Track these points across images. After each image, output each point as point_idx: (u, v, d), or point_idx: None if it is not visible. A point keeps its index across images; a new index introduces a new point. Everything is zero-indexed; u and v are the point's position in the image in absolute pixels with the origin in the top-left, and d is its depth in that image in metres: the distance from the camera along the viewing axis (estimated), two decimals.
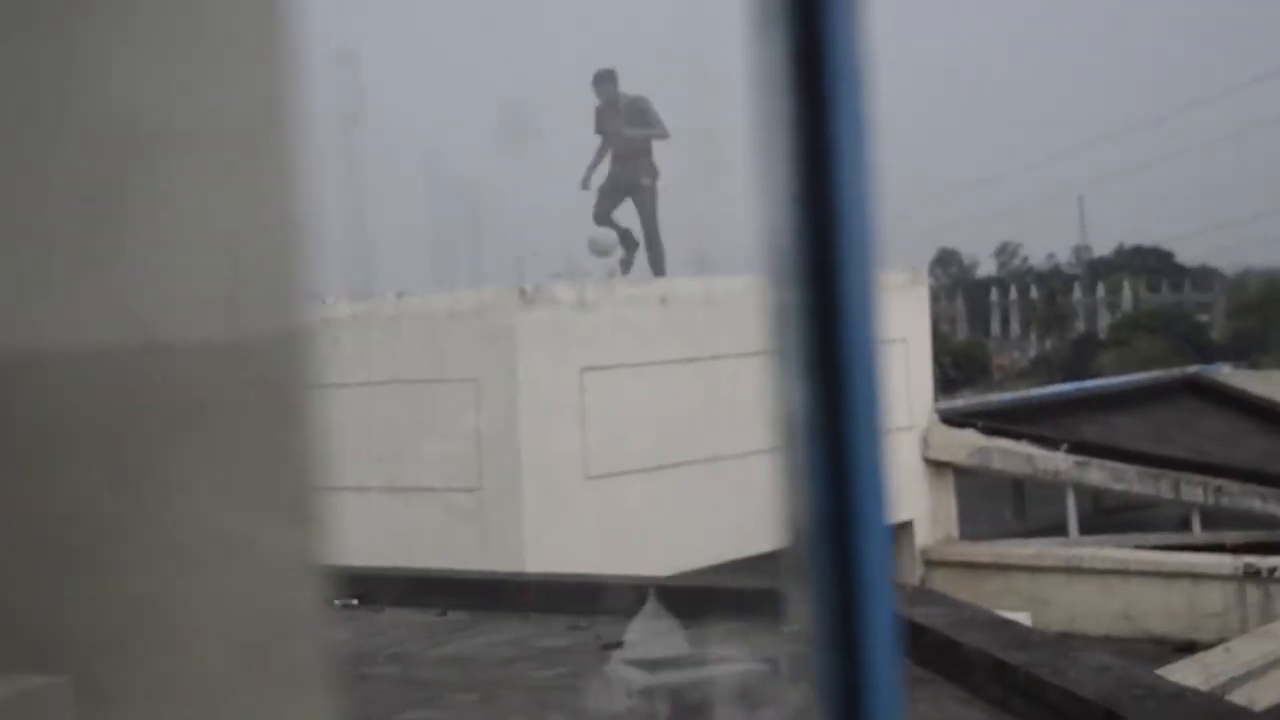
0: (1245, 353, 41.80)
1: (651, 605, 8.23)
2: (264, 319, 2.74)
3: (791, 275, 1.16)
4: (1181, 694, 6.75)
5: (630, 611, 8.26)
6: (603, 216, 15.51)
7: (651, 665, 7.65)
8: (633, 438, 12.72)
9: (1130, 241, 70.36)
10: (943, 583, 13.64)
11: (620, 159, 15.47)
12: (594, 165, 15.75)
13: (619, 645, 8.15)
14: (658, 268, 15.22)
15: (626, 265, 15.54)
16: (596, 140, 15.72)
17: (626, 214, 15.55)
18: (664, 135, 15.48)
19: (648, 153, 15.43)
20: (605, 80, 15.66)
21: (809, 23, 1.13)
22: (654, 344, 13.10)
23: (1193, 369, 25.17)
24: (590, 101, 15.69)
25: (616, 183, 15.47)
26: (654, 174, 15.42)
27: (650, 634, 8.07)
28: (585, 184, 15.76)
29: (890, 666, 1.19)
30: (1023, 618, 9.88)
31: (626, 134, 15.28)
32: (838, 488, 1.17)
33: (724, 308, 13.75)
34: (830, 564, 1.19)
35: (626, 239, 15.53)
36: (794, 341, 1.17)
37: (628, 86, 15.64)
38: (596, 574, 10.22)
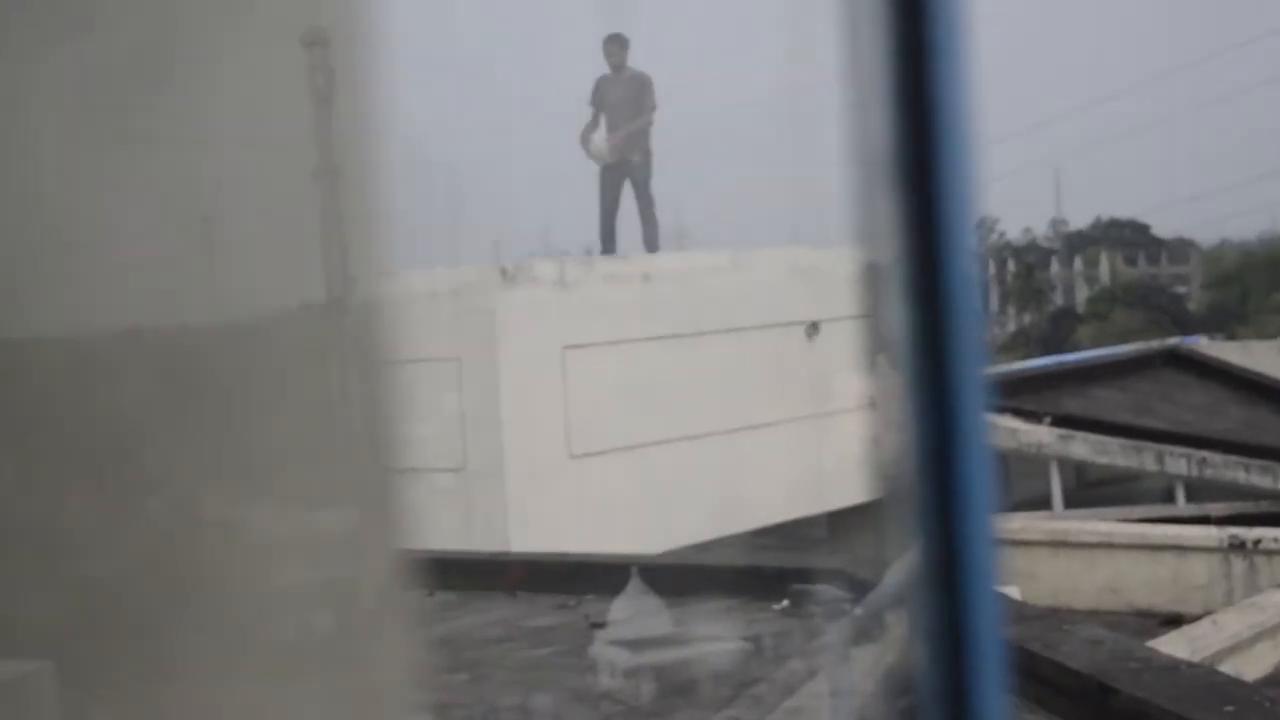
0: (1222, 324, 41.88)
1: (635, 584, 8.20)
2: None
3: (890, 189, 1.14)
4: (1176, 666, 6.73)
5: (617, 590, 8.22)
6: (610, 205, 15.20)
7: (636, 645, 7.62)
8: (616, 416, 12.67)
9: (1107, 214, 70.47)
10: None
11: (617, 136, 15.23)
12: (591, 128, 15.38)
13: (605, 624, 8.11)
14: (651, 246, 15.00)
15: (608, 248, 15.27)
16: (583, 113, 15.45)
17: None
18: (650, 122, 15.24)
19: (644, 131, 15.20)
20: (615, 44, 15.26)
21: None
22: (636, 321, 13.03)
23: (1172, 341, 25.18)
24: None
25: (614, 163, 15.22)
26: (647, 152, 15.19)
27: (634, 613, 8.05)
28: (585, 143, 15.35)
29: (992, 607, 1.15)
30: (1011, 591, 9.85)
31: (628, 111, 15.03)
32: (939, 416, 1.14)
33: (706, 284, 13.69)
34: (933, 496, 1.15)
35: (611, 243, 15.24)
36: (893, 263, 1.14)
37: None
38: (583, 553, 10.18)
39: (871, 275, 1.18)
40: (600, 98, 15.27)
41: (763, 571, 9.05)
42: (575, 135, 15.48)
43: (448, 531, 11.23)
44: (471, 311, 12.26)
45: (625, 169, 15.14)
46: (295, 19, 2.71)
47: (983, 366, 1.16)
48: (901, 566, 1.21)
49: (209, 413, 2.69)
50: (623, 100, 15.10)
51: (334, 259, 2.75)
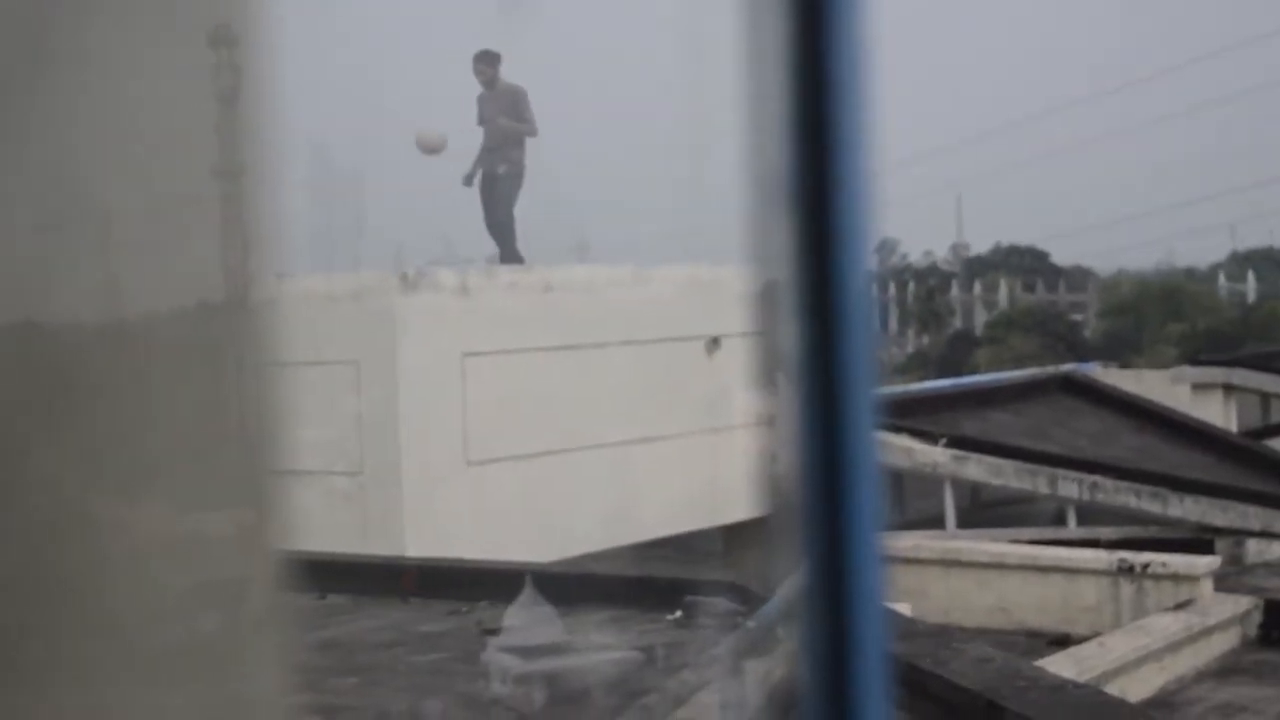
0: (1117, 352, 42.41)
1: (529, 592, 8.19)
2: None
3: (786, 209, 1.15)
4: (1063, 686, 6.79)
5: (511, 597, 8.21)
6: (498, 218, 15.20)
7: (528, 652, 7.61)
8: (514, 424, 12.65)
9: (1007, 240, 71.14)
10: None
11: (487, 149, 15.24)
12: (478, 163, 15.44)
13: (498, 631, 8.09)
14: (509, 259, 14.99)
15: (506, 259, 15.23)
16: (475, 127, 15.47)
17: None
18: (533, 132, 15.23)
19: (516, 145, 15.18)
20: (485, 61, 15.31)
21: None
22: (536, 331, 13.03)
23: (1067, 367, 25.44)
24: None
25: (488, 179, 15.23)
26: (516, 166, 15.15)
27: (527, 620, 8.04)
28: (468, 181, 15.42)
29: (878, 623, 1.15)
30: (902, 608, 9.91)
31: (500, 124, 15.06)
32: (829, 434, 1.14)
33: (607, 296, 13.70)
34: (822, 512, 1.15)
35: (511, 250, 15.21)
36: (788, 282, 1.15)
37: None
38: (477, 559, 10.14)
39: (768, 293, 1.18)
40: (480, 115, 15.29)
41: (656, 582, 9.06)
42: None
43: (343, 535, 11.16)
44: (371, 316, 12.20)
45: (490, 181, 15.15)
46: (201, 17, 2.68)
47: (874, 386, 1.16)
48: (792, 581, 1.21)
49: (90, 412, 2.66)
50: (495, 115, 15.13)
51: (232, 259, 2.72)
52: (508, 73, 15.39)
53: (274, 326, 2.74)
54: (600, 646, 7.77)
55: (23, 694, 2.72)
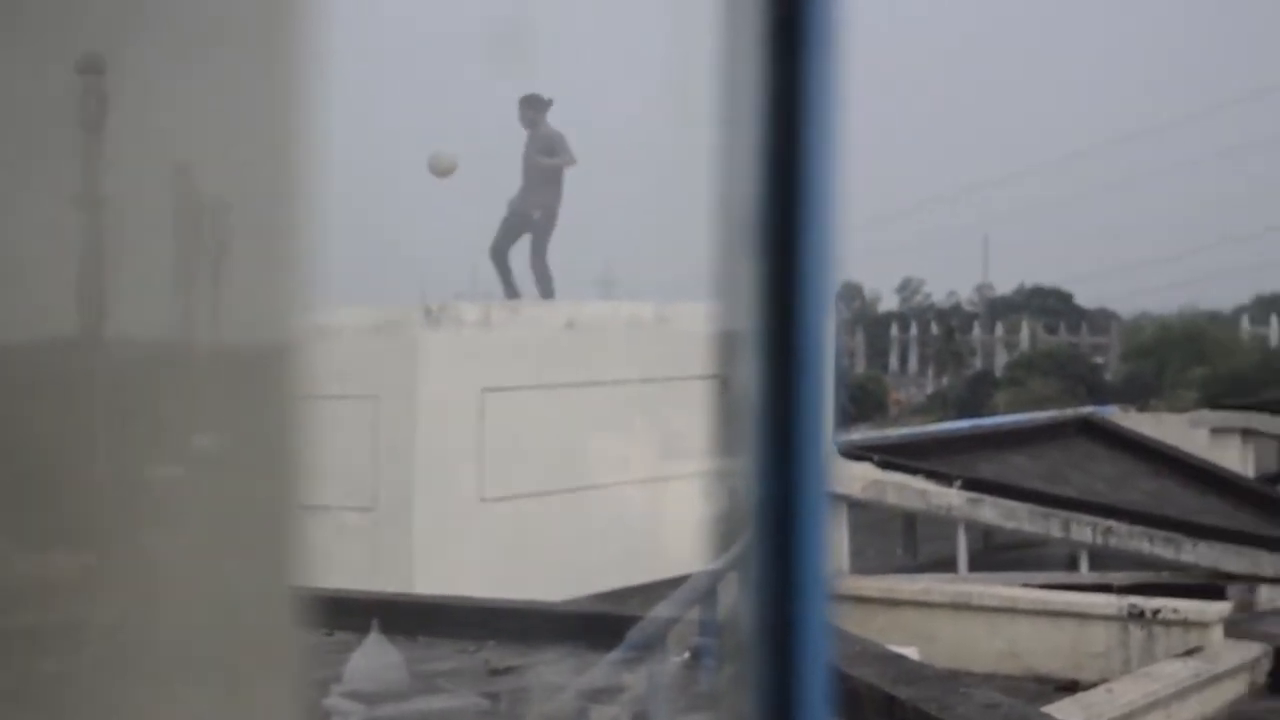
0: (1137, 395, 42.33)
1: (374, 636, 8.07)
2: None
3: (751, 251, 1.18)
4: None
5: (522, 637, 8.25)
6: (501, 250, 15.26)
7: (370, 699, 7.55)
8: (531, 461, 12.71)
9: (1031, 281, 71.14)
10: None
11: (524, 189, 15.27)
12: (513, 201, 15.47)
13: (509, 670, 8.13)
14: (546, 296, 15.05)
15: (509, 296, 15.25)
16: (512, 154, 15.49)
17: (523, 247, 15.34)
18: (572, 161, 15.27)
19: (552, 184, 15.21)
20: (526, 105, 15.32)
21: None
22: (557, 367, 13.10)
23: (1086, 410, 25.46)
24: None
25: (515, 214, 15.27)
26: (551, 208, 15.18)
27: (371, 667, 7.92)
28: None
29: (823, 668, 1.21)
30: (910, 652, 9.96)
31: (536, 162, 15.09)
32: (783, 472, 1.19)
33: (630, 333, 13.78)
34: (770, 551, 1.20)
35: (508, 281, 15.26)
36: (749, 321, 1.19)
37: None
38: (487, 598, 10.18)
39: (731, 335, 1.23)
40: (524, 158, 15.32)
41: (665, 623, 9.09)
42: (508, 178, 15.59)
43: (354, 570, 11.23)
44: (393, 350, 12.29)
45: (524, 223, 15.18)
46: (68, 44, 2.73)
47: (830, 430, 1.22)
48: (736, 616, 1.27)
49: None
50: (534, 157, 15.16)
51: (90, 288, 2.76)
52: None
53: (138, 359, 2.79)
54: (446, 691, 7.74)
55: None
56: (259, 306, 2.81)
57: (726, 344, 1.25)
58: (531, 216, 15.14)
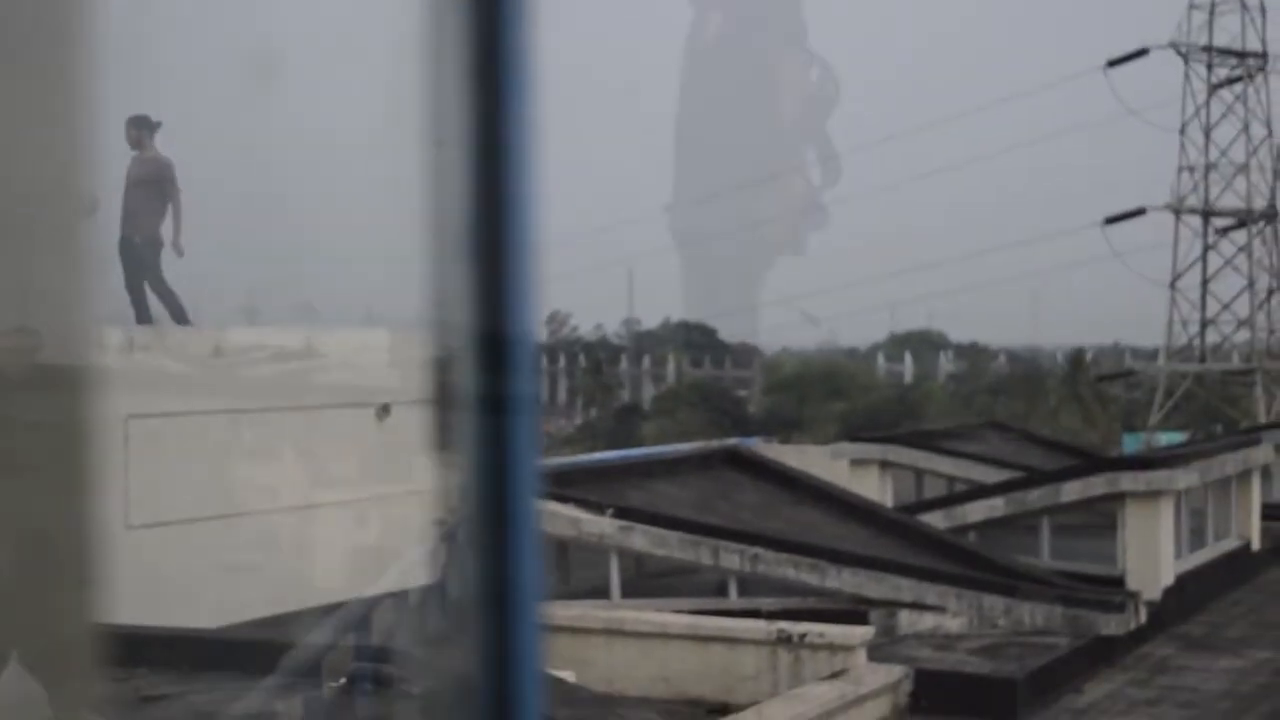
0: (779, 427, 43.44)
1: (14, 668, 7.85)
2: None
3: (463, 261, 1.19)
4: None
5: (172, 663, 8.03)
6: (150, 278, 14.77)
7: None
8: (177, 488, 12.40)
9: (677, 316, 72.38)
10: None
11: (126, 215, 14.77)
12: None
13: (161, 698, 7.90)
14: (178, 320, 14.64)
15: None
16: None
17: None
18: (174, 204, 14.79)
19: (156, 214, 14.76)
20: (133, 126, 14.77)
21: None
22: (203, 394, 12.81)
23: (731, 441, 25.97)
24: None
25: (125, 242, 14.77)
26: (154, 236, 14.72)
27: (10, 699, 7.68)
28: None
29: (538, 688, 1.19)
30: (566, 676, 9.97)
31: (137, 191, 14.61)
32: (495, 481, 1.18)
33: (279, 360, 13.55)
34: (486, 577, 1.19)
35: (173, 305, 14.86)
36: (462, 330, 1.18)
37: None
38: (137, 624, 9.88)
39: (441, 360, 1.22)
40: (127, 176, 14.83)
41: (320, 650, 8.96)
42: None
43: None
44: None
45: (126, 248, 14.74)
46: (34, 52, 2.65)
47: (538, 455, 1.21)
48: (449, 645, 1.25)
49: None
50: (137, 181, 14.73)
51: None
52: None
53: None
54: None
55: None
56: None
57: (438, 370, 1.24)
58: (133, 240, 14.69)
